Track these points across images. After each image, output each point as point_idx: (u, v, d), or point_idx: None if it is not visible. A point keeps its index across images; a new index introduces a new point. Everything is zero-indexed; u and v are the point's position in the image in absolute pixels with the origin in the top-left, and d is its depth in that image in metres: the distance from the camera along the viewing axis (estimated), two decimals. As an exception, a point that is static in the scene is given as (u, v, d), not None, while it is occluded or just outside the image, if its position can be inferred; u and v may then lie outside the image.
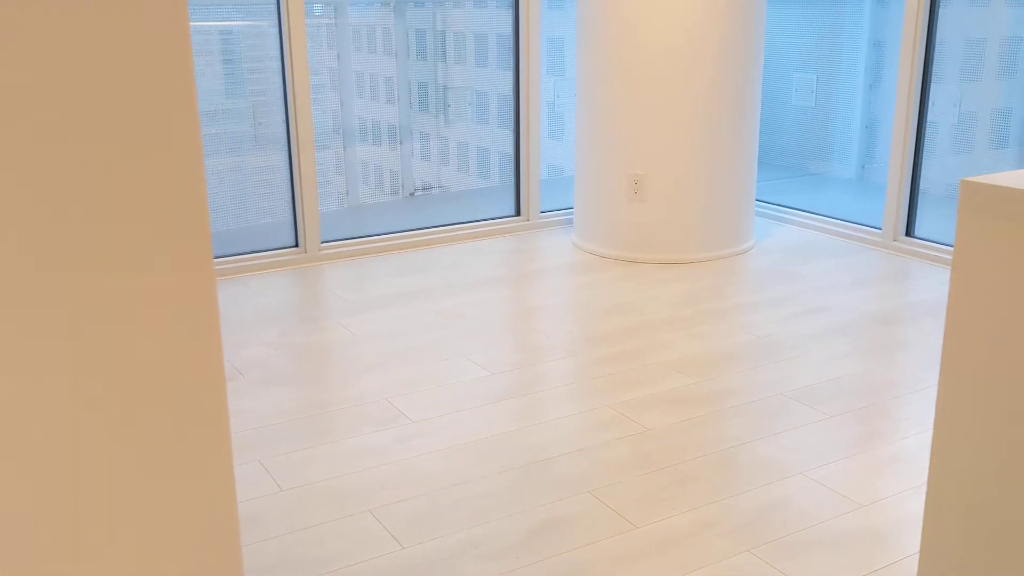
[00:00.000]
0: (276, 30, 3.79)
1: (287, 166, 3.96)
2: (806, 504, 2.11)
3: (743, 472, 2.25)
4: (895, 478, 2.22)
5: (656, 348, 3.03)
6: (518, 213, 4.66)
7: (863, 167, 5.32)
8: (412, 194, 4.82)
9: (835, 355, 2.97)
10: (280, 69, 3.82)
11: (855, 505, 2.10)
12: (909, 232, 4.17)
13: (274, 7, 3.75)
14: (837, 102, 5.29)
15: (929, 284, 3.73)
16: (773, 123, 5.44)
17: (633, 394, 2.68)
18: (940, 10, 3.99)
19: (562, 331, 3.22)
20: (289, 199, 4.04)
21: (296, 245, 4.12)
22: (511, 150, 4.55)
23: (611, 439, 2.42)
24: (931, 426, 2.28)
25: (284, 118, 3.92)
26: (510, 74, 4.42)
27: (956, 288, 1.15)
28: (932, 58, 4.03)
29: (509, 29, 4.36)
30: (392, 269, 3.96)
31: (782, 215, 4.76)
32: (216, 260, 3.86)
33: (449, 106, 4.71)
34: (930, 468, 1.20)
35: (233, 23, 3.89)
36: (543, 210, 4.66)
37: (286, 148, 3.94)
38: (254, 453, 2.38)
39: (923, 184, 4.17)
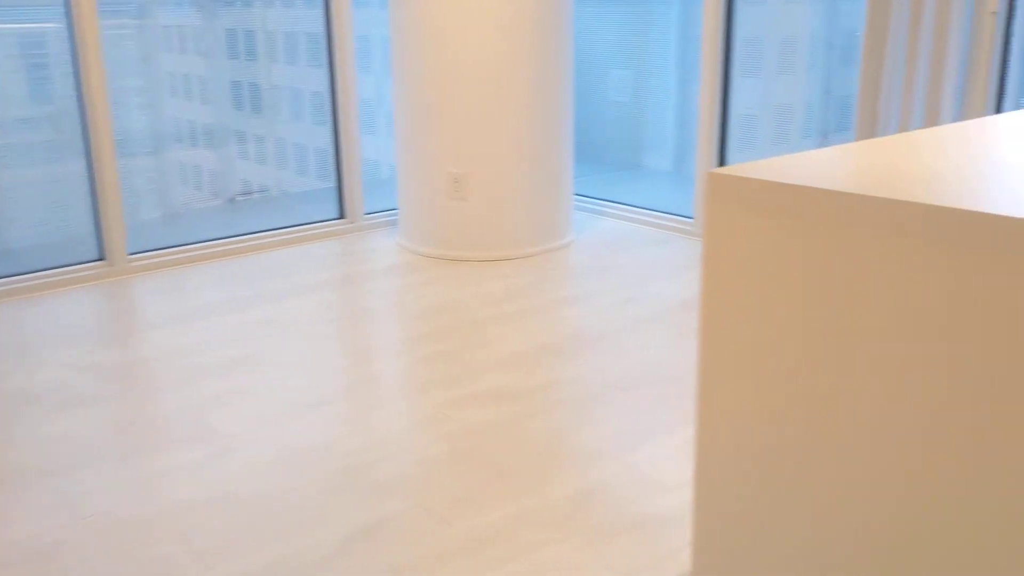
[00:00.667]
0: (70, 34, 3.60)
1: (87, 175, 3.76)
2: (620, 489, 2.16)
3: (561, 462, 2.28)
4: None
5: (478, 345, 3.05)
6: (342, 215, 4.59)
7: (680, 159, 5.47)
8: (233, 199, 4.65)
9: (649, 343, 3.06)
10: (73, 74, 3.64)
11: (666, 487, 2.16)
12: (720, 220, 4.28)
13: (65, 9, 3.57)
14: (652, 97, 5.40)
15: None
16: (593, 119, 5.52)
17: (454, 392, 2.68)
18: (750, 7, 4.13)
19: (384, 333, 3.20)
20: (92, 209, 3.85)
21: (102, 258, 3.92)
22: (333, 151, 4.51)
23: (431, 439, 2.41)
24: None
25: (81, 125, 3.74)
26: (327, 73, 4.40)
27: (707, 282, 1.14)
28: (732, 52, 4.18)
29: (322, 27, 4.33)
30: (210, 279, 3.84)
31: (601, 209, 4.87)
32: (14, 278, 3.64)
33: (269, 107, 4.59)
34: (696, 461, 1.22)
35: (47, 25, 3.67)
36: (368, 211, 4.61)
37: (85, 156, 3.75)
38: (52, 482, 2.24)
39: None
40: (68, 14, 3.54)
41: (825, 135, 4.78)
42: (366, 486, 2.20)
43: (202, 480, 2.23)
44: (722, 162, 4.33)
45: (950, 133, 1.39)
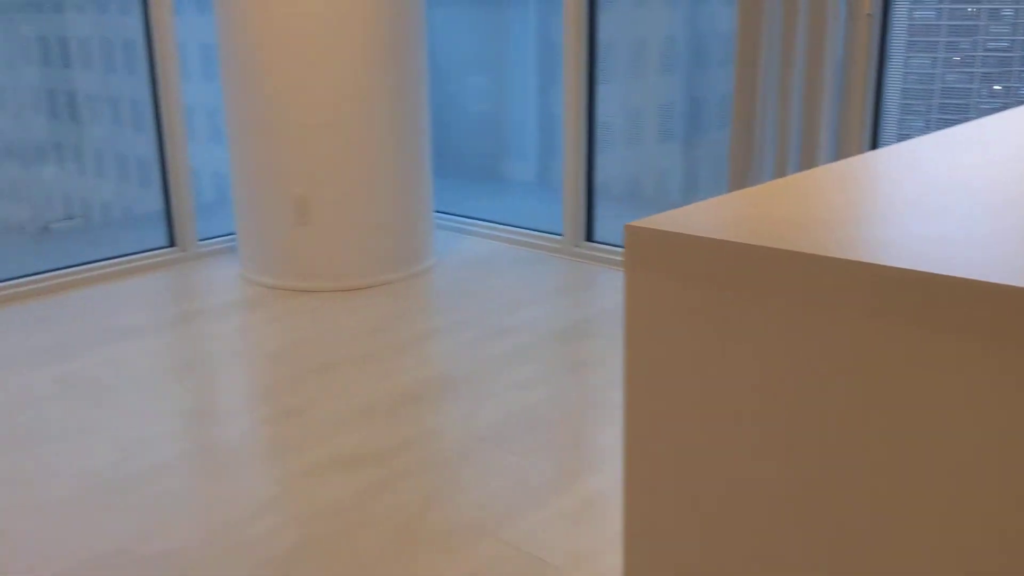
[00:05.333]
0: None
1: None
2: (502, 577, 1.96)
3: (429, 544, 2.00)
4: (591, 527, 2.06)
5: (329, 396, 2.73)
6: (173, 243, 4.04)
7: (543, 170, 4.94)
8: (47, 227, 4.05)
9: (522, 382, 2.80)
10: None
11: (552, 568, 1.91)
12: (590, 236, 4.07)
13: None
14: (512, 104, 4.90)
15: (613, 290, 3.62)
16: (450, 129, 4.97)
17: (303, 460, 2.35)
18: (602, 12, 3.92)
19: (219, 388, 2.83)
20: None
21: None
22: (158, 168, 4.02)
23: (275, 529, 2.04)
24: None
25: None
26: (148, 81, 3.96)
27: (631, 350, 0.97)
28: (596, 58, 3.90)
29: (141, 34, 3.92)
30: (7, 324, 3.36)
31: (464, 226, 4.50)
32: None
33: (85, 119, 4.04)
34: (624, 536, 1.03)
35: None
36: (203, 237, 4.09)
37: None
38: None
39: (603, 182, 4.08)
40: None
41: (689, 140, 4.47)
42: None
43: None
44: (591, 175, 4.01)
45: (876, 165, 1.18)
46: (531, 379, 2.78)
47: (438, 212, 4.58)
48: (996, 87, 3.34)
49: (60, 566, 1.88)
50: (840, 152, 3.24)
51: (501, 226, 4.36)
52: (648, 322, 0.97)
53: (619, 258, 3.84)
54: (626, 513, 1.02)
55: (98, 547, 1.96)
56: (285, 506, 2.12)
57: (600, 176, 4.01)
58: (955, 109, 3.38)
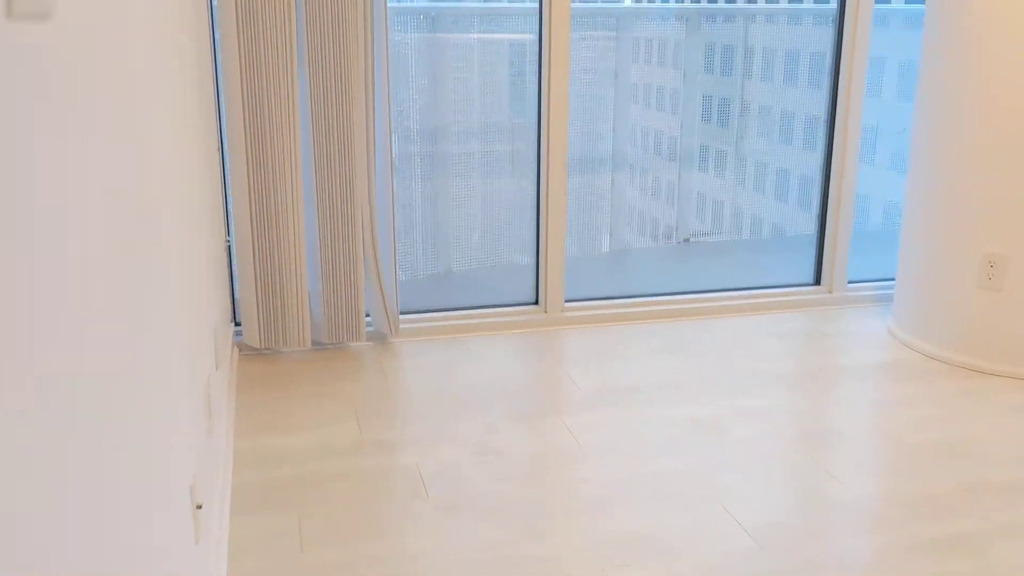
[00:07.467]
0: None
1: (535, 200, 3.39)
2: None
3: None
4: None
5: (1012, 531, 2.10)
6: (818, 282, 3.73)
7: None
8: (686, 240, 3.88)
9: None
10: (538, 87, 3.32)
11: None
12: None
13: (539, 21, 3.31)
14: None
15: None
16: None
17: None
18: None
19: (861, 480, 2.33)
20: (534, 245, 3.40)
21: (536, 302, 3.44)
22: (817, 205, 3.71)
23: None
24: None
25: (536, 142, 3.36)
26: (823, 101, 3.64)
27: None
28: None
29: (824, 48, 3.61)
30: (647, 345, 3.22)
31: None
32: (448, 314, 3.31)
33: (743, 134, 3.74)
34: None
35: (525, 36, 3.43)
36: (851, 280, 3.71)
37: (536, 176, 3.39)
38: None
39: None
40: (540, 24, 3.29)
41: None
42: None
43: None
44: None
45: None
46: None
47: None
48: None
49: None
50: None
51: None
52: None
53: None
54: None
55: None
56: None
57: None
58: None
